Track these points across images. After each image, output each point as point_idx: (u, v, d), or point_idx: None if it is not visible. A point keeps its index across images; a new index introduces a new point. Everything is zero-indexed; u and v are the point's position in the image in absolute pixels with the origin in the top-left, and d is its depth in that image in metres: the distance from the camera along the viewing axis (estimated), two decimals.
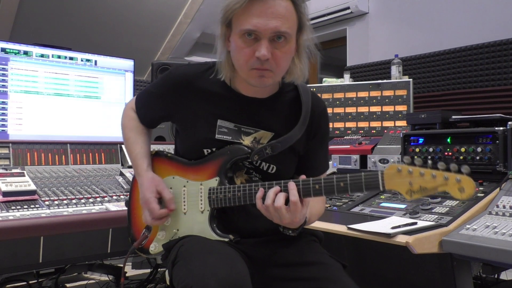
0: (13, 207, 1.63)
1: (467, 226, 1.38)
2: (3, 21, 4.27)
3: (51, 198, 1.76)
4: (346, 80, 3.05)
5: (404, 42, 3.77)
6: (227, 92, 1.27)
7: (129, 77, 2.59)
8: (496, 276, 2.06)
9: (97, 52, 2.49)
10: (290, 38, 1.15)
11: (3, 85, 2.17)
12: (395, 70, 2.88)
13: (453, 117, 1.96)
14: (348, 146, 2.41)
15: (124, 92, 2.56)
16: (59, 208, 1.70)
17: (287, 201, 1.09)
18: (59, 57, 2.33)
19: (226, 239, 1.21)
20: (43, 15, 4.48)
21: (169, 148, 2.19)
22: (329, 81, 3.01)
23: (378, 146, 2.27)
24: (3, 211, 1.59)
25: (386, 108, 2.68)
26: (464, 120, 1.97)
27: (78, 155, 2.18)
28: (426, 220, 1.48)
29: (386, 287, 1.81)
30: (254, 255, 1.24)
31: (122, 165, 2.28)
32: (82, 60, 2.41)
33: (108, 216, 1.71)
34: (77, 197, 1.81)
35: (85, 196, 1.84)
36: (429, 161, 1.00)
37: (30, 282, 2.35)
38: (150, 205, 1.25)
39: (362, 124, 2.75)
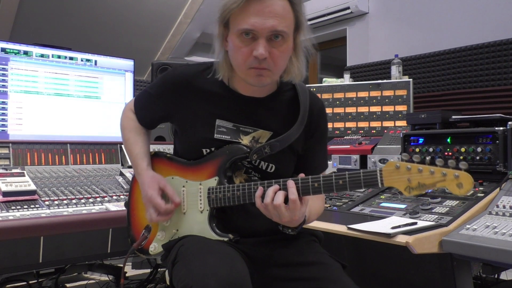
0: (13, 207, 1.63)
1: (467, 226, 1.38)
2: (3, 21, 4.28)
3: (51, 198, 1.76)
4: (346, 80, 3.05)
5: (404, 42, 3.77)
6: (226, 91, 1.27)
7: (129, 77, 2.59)
8: (496, 276, 2.06)
9: (97, 52, 2.49)
10: (288, 37, 1.15)
11: (3, 85, 2.17)
12: (395, 70, 2.88)
13: (453, 117, 1.96)
14: (348, 146, 2.41)
15: (124, 92, 2.56)
16: (59, 208, 1.70)
17: (286, 200, 1.09)
18: (59, 57, 2.33)
19: (226, 239, 1.21)
20: (43, 15, 4.48)
21: (169, 148, 2.20)
22: (329, 81, 3.01)
23: (378, 146, 2.27)
24: (3, 211, 1.59)
25: (386, 108, 2.68)
26: (464, 120, 1.97)
27: (78, 155, 2.18)
28: (426, 220, 1.48)
29: (386, 287, 1.81)
30: (254, 254, 1.24)
31: (122, 165, 2.28)
32: (82, 60, 2.41)
33: (108, 216, 1.71)
34: (77, 197, 1.81)
35: (85, 196, 1.84)
36: (427, 158, 1.00)
37: (30, 282, 2.35)
38: (154, 200, 1.24)
39: (362, 124, 2.75)
